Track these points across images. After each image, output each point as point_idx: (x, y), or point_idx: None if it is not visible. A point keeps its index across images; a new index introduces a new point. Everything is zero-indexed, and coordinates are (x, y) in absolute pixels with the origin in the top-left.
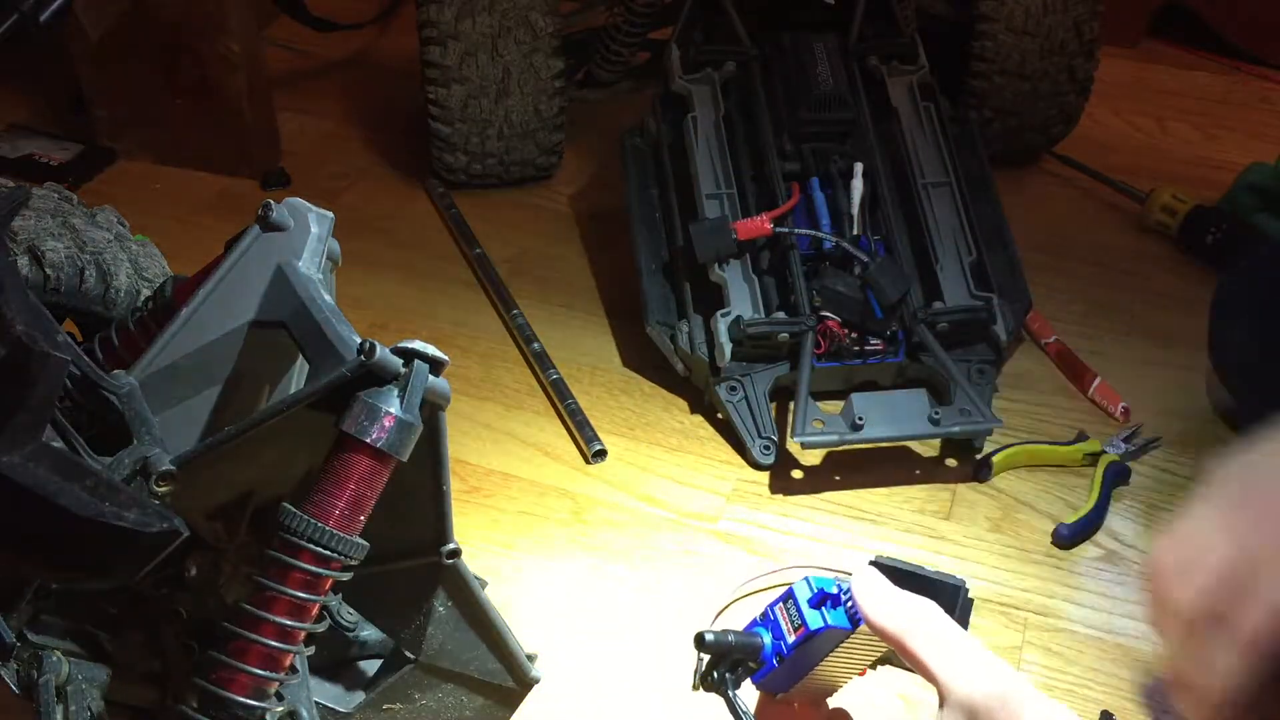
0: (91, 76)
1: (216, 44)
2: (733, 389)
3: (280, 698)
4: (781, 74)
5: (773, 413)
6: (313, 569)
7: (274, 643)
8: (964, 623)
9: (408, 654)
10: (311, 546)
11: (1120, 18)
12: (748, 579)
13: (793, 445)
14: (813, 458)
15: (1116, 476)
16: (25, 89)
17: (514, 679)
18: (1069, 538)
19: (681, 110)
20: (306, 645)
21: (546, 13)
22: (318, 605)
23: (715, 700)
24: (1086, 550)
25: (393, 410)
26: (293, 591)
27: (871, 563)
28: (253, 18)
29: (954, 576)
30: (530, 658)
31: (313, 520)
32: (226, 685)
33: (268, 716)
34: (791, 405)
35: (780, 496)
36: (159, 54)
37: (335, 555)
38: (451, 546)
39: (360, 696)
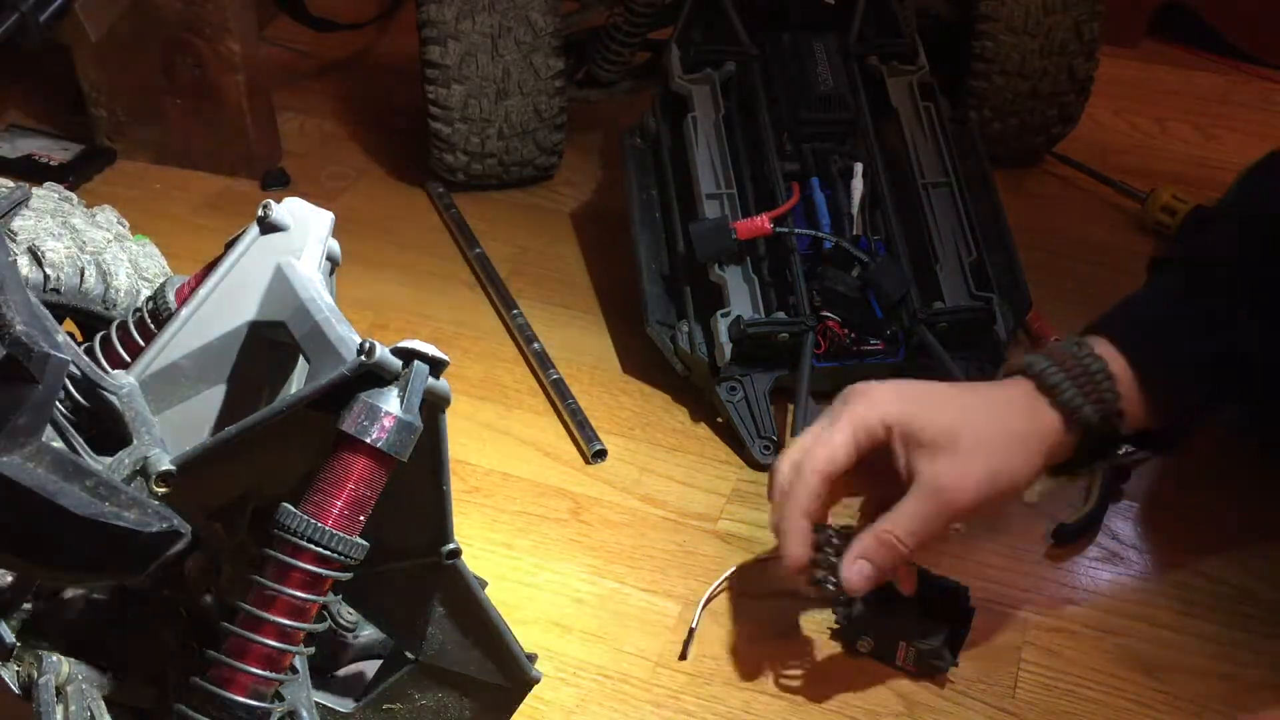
0: (91, 76)
1: (216, 44)
2: (733, 389)
3: (280, 698)
4: (781, 74)
5: (773, 413)
6: (312, 569)
7: (273, 643)
8: (965, 625)
9: (407, 654)
10: (311, 546)
11: (1120, 18)
12: (744, 561)
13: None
14: None
15: (1116, 476)
16: (25, 89)
17: (514, 679)
18: (1069, 537)
19: (681, 110)
20: (306, 645)
21: (546, 13)
22: (317, 605)
23: (714, 701)
24: (1086, 550)
25: (393, 410)
26: (292, 591)
27: None
28: (253, 18)
29: (957, 581)
30: (530, 658)
31: (312, 520)
32: (226, 685)
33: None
34: (791, 405)
35: None
36: (159, 54)
37: (335, 555)
38: (452, 547)
39: (360, 697)
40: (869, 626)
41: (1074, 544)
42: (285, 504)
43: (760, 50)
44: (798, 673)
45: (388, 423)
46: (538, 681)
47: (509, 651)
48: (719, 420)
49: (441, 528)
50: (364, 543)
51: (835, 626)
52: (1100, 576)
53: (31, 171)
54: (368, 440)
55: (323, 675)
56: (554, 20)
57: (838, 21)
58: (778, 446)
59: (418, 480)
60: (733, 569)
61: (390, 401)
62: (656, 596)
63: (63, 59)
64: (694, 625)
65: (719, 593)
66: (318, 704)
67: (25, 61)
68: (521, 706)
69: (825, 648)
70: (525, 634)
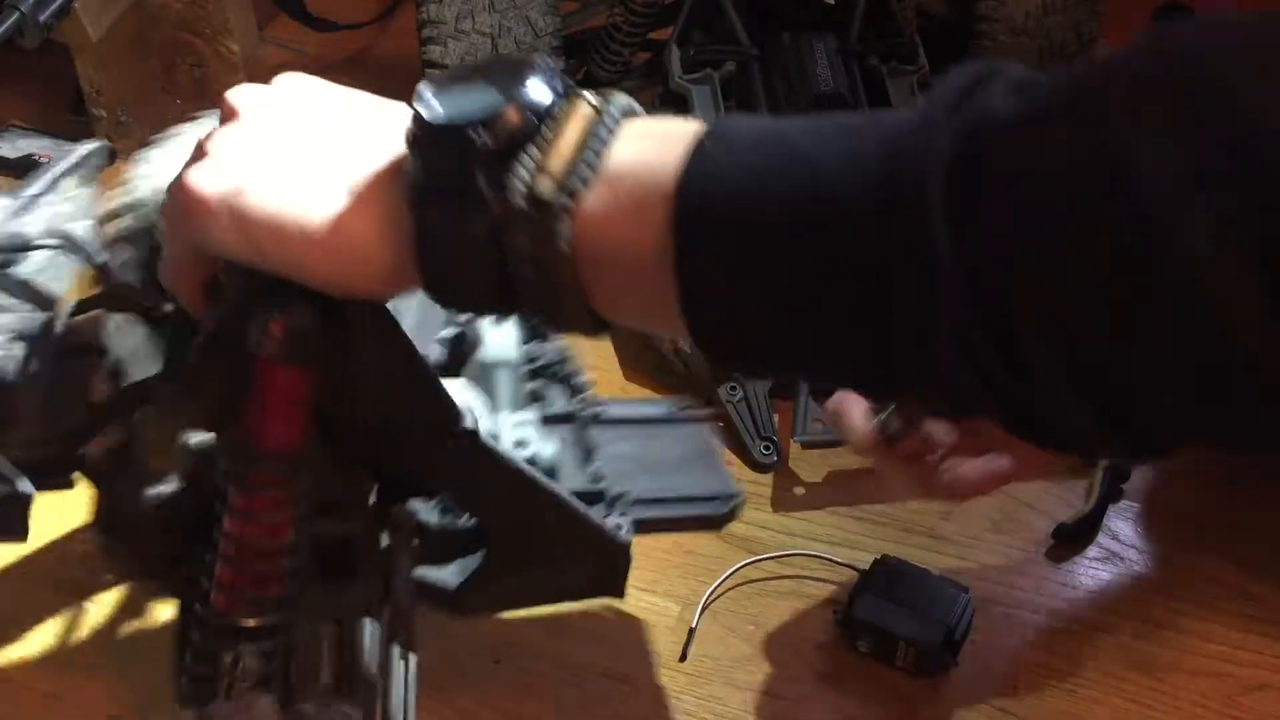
0: (91, 76)
1: (216, 44)
2: (733, 389)
3: (280, 608)
4: (781, 74)
5: (773, 413)
6: (255, 491)
7: (249, 564)
8: (965, 627)
9: (486, 535)
10: (246, 469)
11: (1120, 18)
12: (743, 562)
13: (793, 445)
14: (813, 458)
15: (1116, 476)
16: (25, 89)
17: (601, 546)
18: (1069, 537)
19: (681, 110)
20: (291, 561)
21: (546, 13)
22: (286, 522)
23: (714, 701)
24: (1086, 550)
25: (280, 319)
26: (253, 514)
27: (876, 561)
28: (253, 18)
29: (957, 581)
30: (619, 526)
31: (243, 443)
32: (215, 604)
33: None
34: (792, 405)
35: (780, 497)
36: (159, 54)
37: (270, 473)
38: (463, 427)
39: (468, 576)
40: (869, 626)
41: (1074, 544)
42: (218, 433)
43: (760, 50)
44: (798, 673)
45: (276, 331)
46: (627, 545)
47: (579, 520)
48: (719, 421)
49: (442, 409)
50: (304, 458)
51: (835, 626)
52: (1100, 576)
53: (31, 171)
54: (267, 355)
55: (443, 559)
56: (554, 20)
57: (837, 21)
58: (778, 447)
59: (389, 372)
60: (733, 569)
61: (277, 312)
62: (656, 596)
63: (63, 59)
64: (694, 625)
65: (719, 593)
66: (428, 584)
67: (25, 61)
68: (519, 706)
69: (825, 648)
70: (525, 633)
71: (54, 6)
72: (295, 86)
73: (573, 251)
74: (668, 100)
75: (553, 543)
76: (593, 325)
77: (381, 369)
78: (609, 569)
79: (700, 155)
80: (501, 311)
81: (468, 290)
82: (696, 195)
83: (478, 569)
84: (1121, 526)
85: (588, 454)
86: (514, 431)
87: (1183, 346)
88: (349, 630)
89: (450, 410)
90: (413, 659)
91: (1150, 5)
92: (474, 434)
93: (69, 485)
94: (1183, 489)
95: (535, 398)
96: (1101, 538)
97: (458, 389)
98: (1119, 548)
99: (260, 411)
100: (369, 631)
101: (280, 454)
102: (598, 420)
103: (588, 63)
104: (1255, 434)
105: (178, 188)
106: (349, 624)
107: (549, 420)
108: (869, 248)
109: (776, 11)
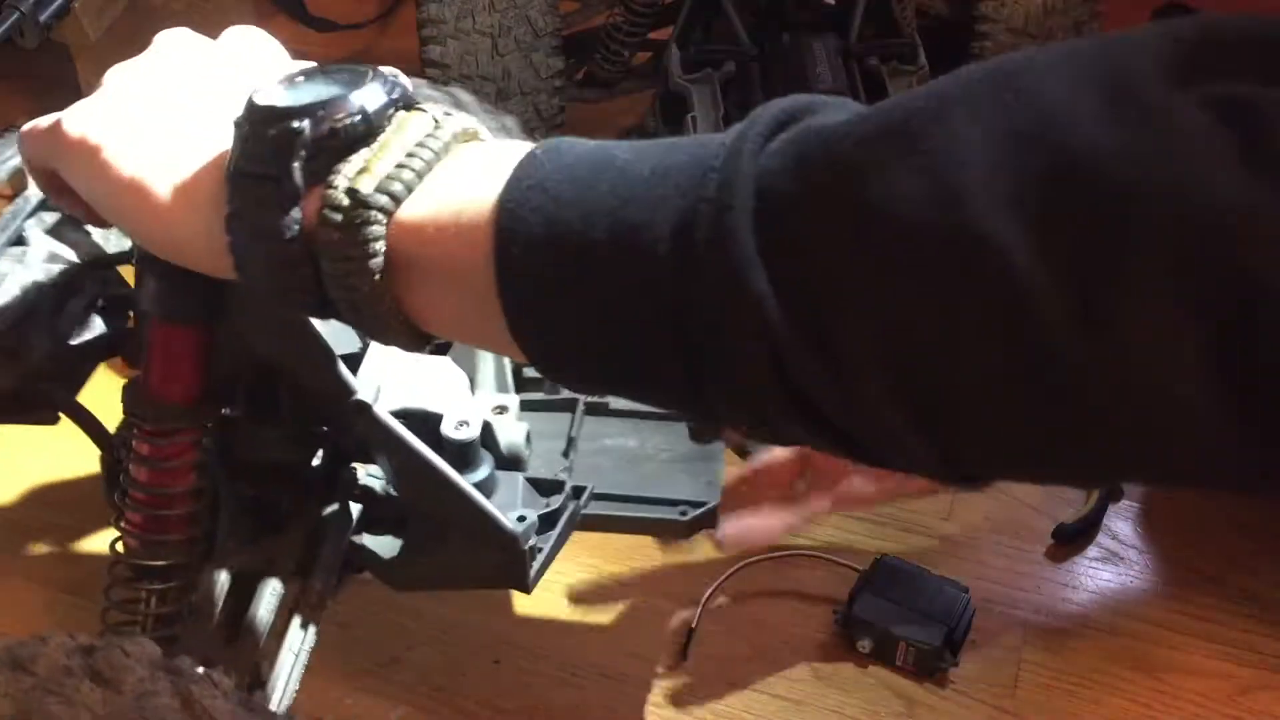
0: (91, 77)
1: None
2: None
3: (184, 550)
4: (781, 74)
5: None
6: (155, 440)
7: (153, 508)
8: (965, 625)
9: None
10: (143, 419)
11: (1120, 18)
12: (743, 562)
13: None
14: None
15: None
16: (25, 89)
17: (498, 537)
18: (1069, 537)
19: (681, 110)
20: (197, 505)
21: (546, 12)
22: (188, 468)
23: (714, 701)
24: (1086, 550)
25: (155, 280)
26: (155, 461)
27: (876, 561)
28: (252, 18)
29: (957, 581)
30: (520, 518)
31: (140, 395)
32: (126, 545)
33: None
34: None
35: None
36: None
37: (165, 424)
38: (356, 398)
39: (400, 548)
40: (869, 626)
41: (1074, 544)
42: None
43: (760, 50)
44: (798, 673)
45: (152, 291)
46: (514, 537)
47: (474, 506)
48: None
49: (335, 377)
50: (185, 410)
51: (835, 625)
52: (1100, 576)
53: None
54: (146, 309)
55: (383, 528)
56: (554, 20)
57: (837, 22)
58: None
59: (274, 335)
60: (733, 569)
61: (155, 275)
62: (656, 596)
63: (63, 59)
64: (694, 625)
65: (719, 593)
66: (368, 549)
67: (25, 61)
68: (520, 707)
69: (825, 648)
70: (525, 633)
71: (54, 6)
72: (170, 48)
73: (387, 254)
74: (668, 100)
75: (452, 525)
76: (409, 335)
77: (265, 332)
78: (510, 561)
79: (520, 177)
80: (315, 311)
81: (276, 281)
82: (511, 217)
83: (405, 542)
84: (1121, 526)
85: (571, 443)
86: (479, 412)
87: (1005, 356)
88: (252, 585)
89: (341, 380)
90: (311, 629)
91: (1150, 5)
92: (365, 406)
93: (53, 421)
94: (1183, 489)
95: (533, 383)
96: (1101, 538)
97: (435, 367)
98: (1119, 548)
99: (150, 366)
100: (270, 590)
101: (172, 406)
102: (603, 411)
103: (588, 62)
104: (1069, 464)
105: (57, 121)
106: (255, 579)
107: (549, 406)
108: (670, 270)
109: (776, 11)
